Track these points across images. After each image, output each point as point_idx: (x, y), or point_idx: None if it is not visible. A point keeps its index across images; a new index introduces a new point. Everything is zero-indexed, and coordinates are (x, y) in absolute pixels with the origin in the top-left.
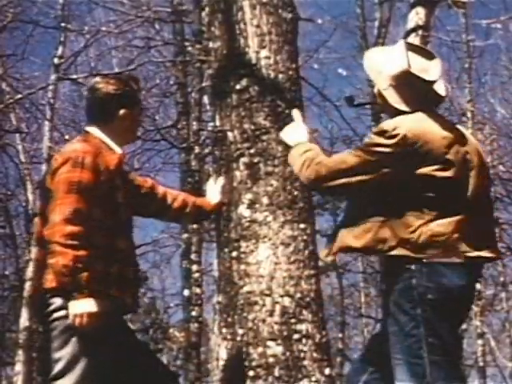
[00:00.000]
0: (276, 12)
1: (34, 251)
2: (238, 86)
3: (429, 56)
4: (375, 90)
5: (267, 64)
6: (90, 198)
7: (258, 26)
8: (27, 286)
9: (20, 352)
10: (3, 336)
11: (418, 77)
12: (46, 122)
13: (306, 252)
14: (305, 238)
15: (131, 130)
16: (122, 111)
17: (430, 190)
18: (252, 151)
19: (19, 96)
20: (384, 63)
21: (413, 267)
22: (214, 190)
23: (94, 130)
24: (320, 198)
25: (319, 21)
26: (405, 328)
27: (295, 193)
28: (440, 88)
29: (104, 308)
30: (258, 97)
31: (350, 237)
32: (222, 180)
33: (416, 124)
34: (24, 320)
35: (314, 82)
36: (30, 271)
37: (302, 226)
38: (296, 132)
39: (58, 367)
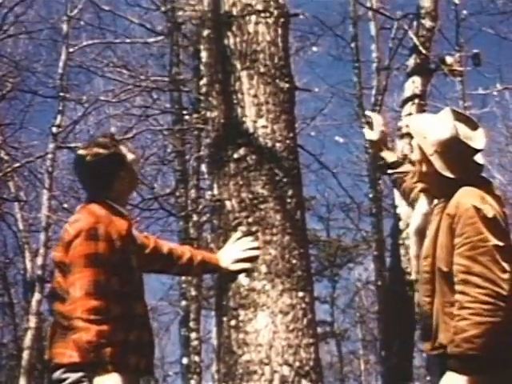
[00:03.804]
0: (273, 82)
1: (32, 320)
2: (235, 155)
3: (473, 125)
4: (414, 157)
5: (264, 133)
6: (107, 268)
7: (255, 96)
8: (25, 354)
9: None
10: None
11: (466, 144)
12: (45, 191)
13: (305, 320)
14: (303, 306)
15: (133, 184)
16: (116, 175)
17: None
18: (250, 220)
19: (18, 164)
20: (430, 129)
21: None
22: (232, 250)
23: (99, 197)
24: (318, 265)
25: (316, 89)
26: None
27: (293, 261)
28: (479, 157)
29: (126, 381)
30: (256, 166)
31: None
32: (248, 241)
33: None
34: None
35: (311, 149)
36: (28, 340)
37: (300, 294)
38: None
39: None
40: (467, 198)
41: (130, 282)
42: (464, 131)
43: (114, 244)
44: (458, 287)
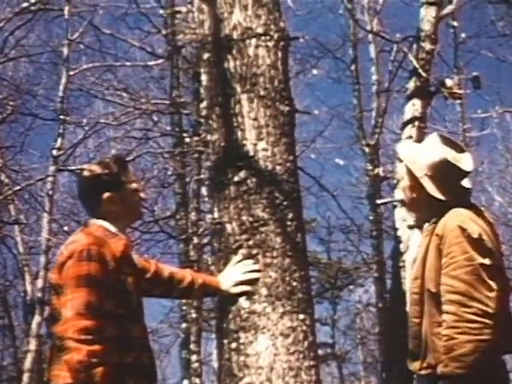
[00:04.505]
0: (273, 105)
1: (32, 342)
2: (235, 178)
3: (460, 149)
4: (403, 184)
5: (265, 156)
6: (100, 289)
7: (255, 119)
8: (25, 377)
9: None
10: None
11: (456, 166)
12: (45, 214)
13: (306, 343)
14: (304, 328)
15: (128, 210)
16: (105, 195)
17: None
18: (250, 243)
19: (18, 188)
20: (419, 153)
21: None
22: (233, 273)
23: (95, 219)
24: (319, 287)
25: (316, 111)
26: None
27: (294, 284)
28: (466, 182)
29: None
30: (256, 189)
31: None
32: (249, 264)
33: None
34: None
35: (311, 172)
36: (28, 362)
37: (301, 316)
38: None
39: None
40: (454, 218)
41: (126, 304)
42: (452, 154)
43: (108, 265)
44: (444, 307)
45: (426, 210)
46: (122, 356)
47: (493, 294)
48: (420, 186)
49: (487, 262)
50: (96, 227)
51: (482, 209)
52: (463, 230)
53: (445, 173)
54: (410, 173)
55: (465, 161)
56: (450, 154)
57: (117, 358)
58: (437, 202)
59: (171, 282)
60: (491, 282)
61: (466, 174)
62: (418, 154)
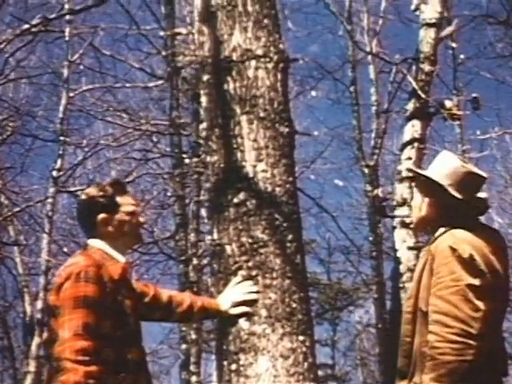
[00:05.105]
0: (273, 126)
1: (31, 364)
2: (235, 200)
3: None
4: (415, 203)
5: (264, 178)
6: (97, 311)
7: (255, 141)
8: None
9: None
10: None
11: (474, 173)
12: (45, 235)
13: (306, 364)
14: (304, 350)
15: (124, 232)
16: (100, 216)
17: None
18: (250, 264)
19: (18, 209)
20: (436, 166)
21: None
22: (232, 295)
23: (93, 242)
24: (319, 308)
25: (315, 133)
26: None
27: (294, 305)
28: (481, 192)
29: None
30: (256, 210)
31: None
32: (249, 285)
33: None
34: None
35: (310, 193)
36: None
37: (301, 338)
38: None
39: None
40: (447, 239)
41: (124, 326)
42: (467, 164)
43: (105, 287)
44: (429, 327)
45: (434, 230)
46: (118, 379)
47: (478, 315)
48: (434, 202)
49: (476, 282)
50: (94, 250)
51: (495, 230)
52: (453, 250)
53: (465, 180)
54: (428, 186)
55: (477, 170)
56: (465, 164)
57: (113, 379)
58: (446, 220)
59: (170, 306)
60: (478, 303)
61: (483, 180)
62: (436, 167)
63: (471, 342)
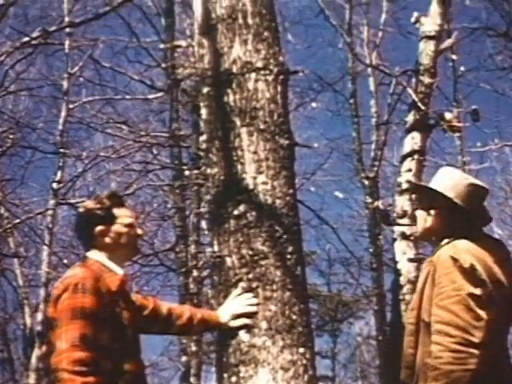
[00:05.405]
0: (273, 139)
1: (31, 376)
2: (235, 212)
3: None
4: (420, 215)
5: (264, 190)
6: (94, 322)
7: (255, 153)
8: None
9: None
10: None
11: (477, 185)
12: (45, 247)
13: (306, 376)
14: (304, 362)
15: (121, 243)
16: (97, 228)
17: None
18: (250, 276)
19: (18, 221)
20: (438, 179)
21: None
22: (232, 307)
23: (92, 254)
24: (319, 320)
25: (315, 144)
26: None
27: (294, 317)
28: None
29: None
30: (256, 222)
31: None
32: (249, 297)
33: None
34: None
35: (310, 205)
36: None
37: (301, 350)
38: None
39: None
40: (448, 249)
41: (121, 338)
42: (470, 177)
43: (103, 298)
44: (432, 337)
45: (438, 241)
46: None
47: (480, 324)
48: (444, 210)
49: (478, 291)
50: (93, 262)
51: (498, 241)
52: (455, 260)
53: (469, 191)
54: (432, 198)
55: (479, 182)
56: (467, 177)
57: None
58: (451, 231)
59: (169, 319)
60: (480, 312)
61: (486, 192)
62: (438, 180)
63: (473, 350)
